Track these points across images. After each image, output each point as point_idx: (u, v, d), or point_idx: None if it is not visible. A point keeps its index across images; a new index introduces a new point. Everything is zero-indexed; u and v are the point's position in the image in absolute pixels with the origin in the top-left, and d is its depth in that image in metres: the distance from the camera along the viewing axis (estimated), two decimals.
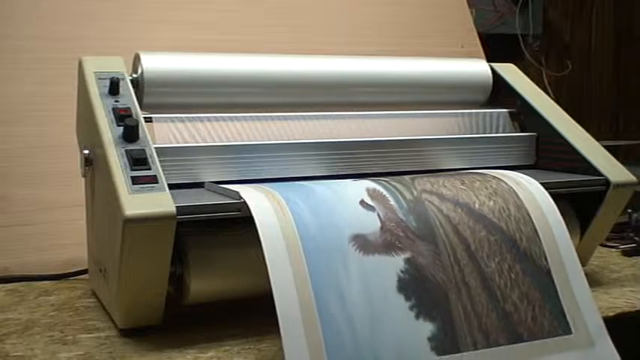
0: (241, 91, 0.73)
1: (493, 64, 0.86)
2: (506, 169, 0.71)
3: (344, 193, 0.59)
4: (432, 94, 0.83)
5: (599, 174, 0.72)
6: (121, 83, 0.65)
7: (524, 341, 0.58)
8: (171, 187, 0.57)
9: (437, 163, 0.74)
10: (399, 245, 0.57)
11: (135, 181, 0.56)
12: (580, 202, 0.72)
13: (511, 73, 0.86)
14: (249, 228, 0.54)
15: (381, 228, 0.57)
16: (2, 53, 0.91)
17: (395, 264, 0.56)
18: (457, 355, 0.55)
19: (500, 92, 0.85)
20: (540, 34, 1.78)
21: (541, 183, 0.66)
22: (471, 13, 1.32)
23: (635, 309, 0.66)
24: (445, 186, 0.63)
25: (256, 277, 0.60)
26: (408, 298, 0.55)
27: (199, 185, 0.64)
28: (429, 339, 0.54)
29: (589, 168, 0.73)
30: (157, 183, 0.57)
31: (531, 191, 0.65)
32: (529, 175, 0.67)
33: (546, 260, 0.62)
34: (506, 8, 1.71)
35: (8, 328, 0.62)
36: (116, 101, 0.63)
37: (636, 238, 0.93)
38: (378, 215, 0.58)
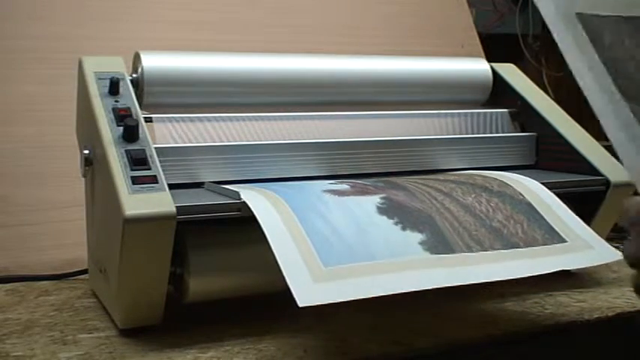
0: (241, 91, 0.73)
1: (493, 64, 0.86)
2: (506, 170, 0.71)
3: (315, 182, 0.63)
4: (432, 93, 0.83)
5: (599, 174, 0.72)
6: (121, 83, 0.65)
7: (521, 247, 0.57)
8: (171, 187, 0.57)
9: (437, 163, 0.74)
10: (372, 191, 0.59)
11: (135, 181, 0.56)
12: (580, 202, 0.72)
13: (511, 73, 0.86)
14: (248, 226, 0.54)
15: (351, 187, 0.60)
16: (2, 53, 0.91)
17: (371, 200, 0.58)
18: (452, 255, 0.54)
19: (500, 92, 0.84)
20: (540, 34, 1.78)
21: (541, 183, 0.66)
22: (471, 13, 1.32)
23: (635, 309, 0.66)
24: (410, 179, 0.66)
25: (256, 277, 0.60)
26: (390, 217, 0.56)
27: (199, 185, 0.64)
28: (420, 243, 0.54)
29: (589, 168, 0.73)
30: (157, 183, 0.57)
31: (496, 175, 0.67)
32: (529, 176, 0.67)
33: (522, 196, 0.62)
34: (506, 8, 1.71)
35: (8, 328, 0.62)
36: (116, 101, 0.63)
37: None
38: (347, 184, 0.61)
